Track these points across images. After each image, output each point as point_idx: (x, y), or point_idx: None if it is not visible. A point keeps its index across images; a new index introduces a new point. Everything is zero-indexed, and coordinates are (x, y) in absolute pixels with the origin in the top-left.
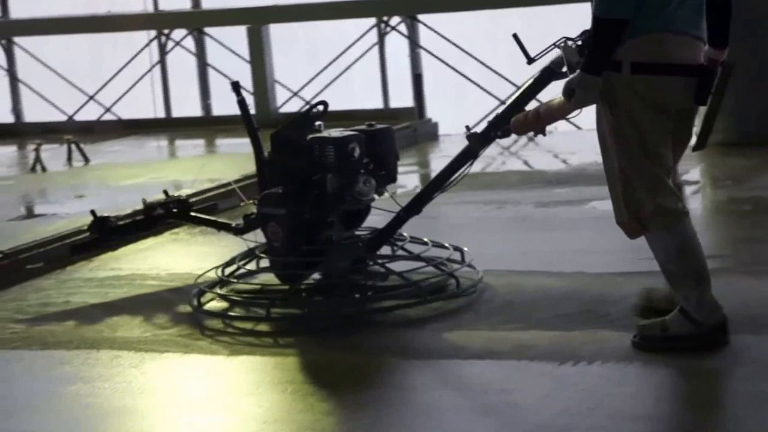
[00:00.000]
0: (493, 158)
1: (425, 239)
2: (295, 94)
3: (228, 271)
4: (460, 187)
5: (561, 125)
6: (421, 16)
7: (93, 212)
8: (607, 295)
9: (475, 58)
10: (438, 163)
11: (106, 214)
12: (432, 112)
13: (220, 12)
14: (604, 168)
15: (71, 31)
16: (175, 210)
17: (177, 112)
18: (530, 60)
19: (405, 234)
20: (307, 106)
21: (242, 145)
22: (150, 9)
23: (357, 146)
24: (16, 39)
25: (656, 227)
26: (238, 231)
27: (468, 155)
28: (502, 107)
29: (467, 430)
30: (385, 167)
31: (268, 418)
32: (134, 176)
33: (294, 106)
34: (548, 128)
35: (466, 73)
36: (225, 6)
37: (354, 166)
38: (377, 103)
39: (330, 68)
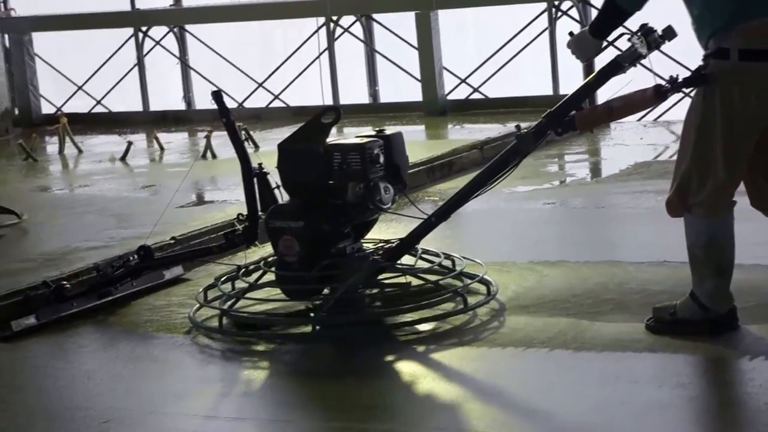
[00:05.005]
0: (666, 146)
1: (437, 251)
2: (463, 80)
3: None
4: (633, 176)
5: None
6: (593, 0)
7: (45, 282)
8: None
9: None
10: (608, 151)
11: (63, 282)
12: (603, 98)
13: None
14: (678, 149)
15: (242, 19)
16: (136, 261)
17: (344, 99)
18: None
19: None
20: (318, 112)
21: (413, 132)
22: None
23: (381, 152)
24: (188, 27)
25: (697, 213)
26: (221, 249)
27: (514, 155)
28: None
29: (641, 424)
30: (399, 174)
31: None
32: None
33: (462, 93)
34: None
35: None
36: None
37: (377, 173)
38: (547, 90)
39: (499, 54)
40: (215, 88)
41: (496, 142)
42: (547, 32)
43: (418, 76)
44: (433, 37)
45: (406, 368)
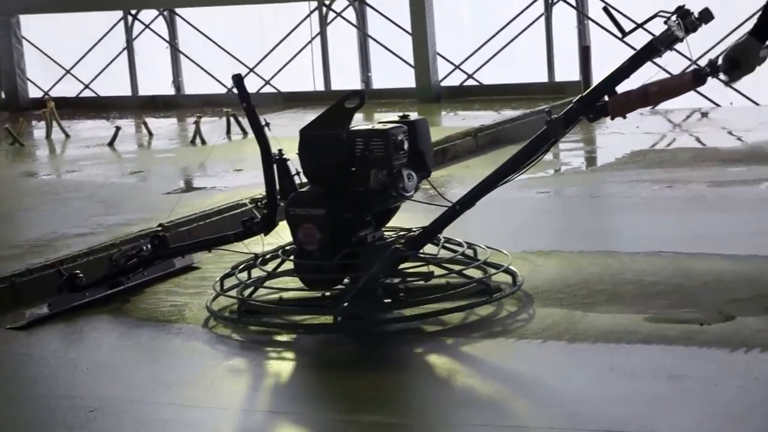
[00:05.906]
0: (663, 135)
1: (459, 240)
2: (457, 67)
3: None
4: (629, 165)
5: (737, 100)
6: None
7: (59, 271)
8: None
9: (646, 30)
10: (604, 139)
11: (76, 271)
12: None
13: None
14: None
15: (233, 2)
16: (148, 251)
17: (336, 85)
18: (624, 34)
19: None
20: (341, 97)
21: None
22: None
23: (405, 138)
24: (178, 10)
25: None
26: (238, 237)
27: (543, 141)
28: (591, 88)
29: (634, 416)
30: (424, 161)
31: None
32: (292, 149)
33: (456, 80)
34: None
35: (637, 46)
36: None
37: (400, 160)
38: (542, 77)
39: (494, 40)
40: (236, 72)
41: (490, 130)
42: (543, 18)
43: (412, 62)
44: (427, 23)
45: (424, 361)
